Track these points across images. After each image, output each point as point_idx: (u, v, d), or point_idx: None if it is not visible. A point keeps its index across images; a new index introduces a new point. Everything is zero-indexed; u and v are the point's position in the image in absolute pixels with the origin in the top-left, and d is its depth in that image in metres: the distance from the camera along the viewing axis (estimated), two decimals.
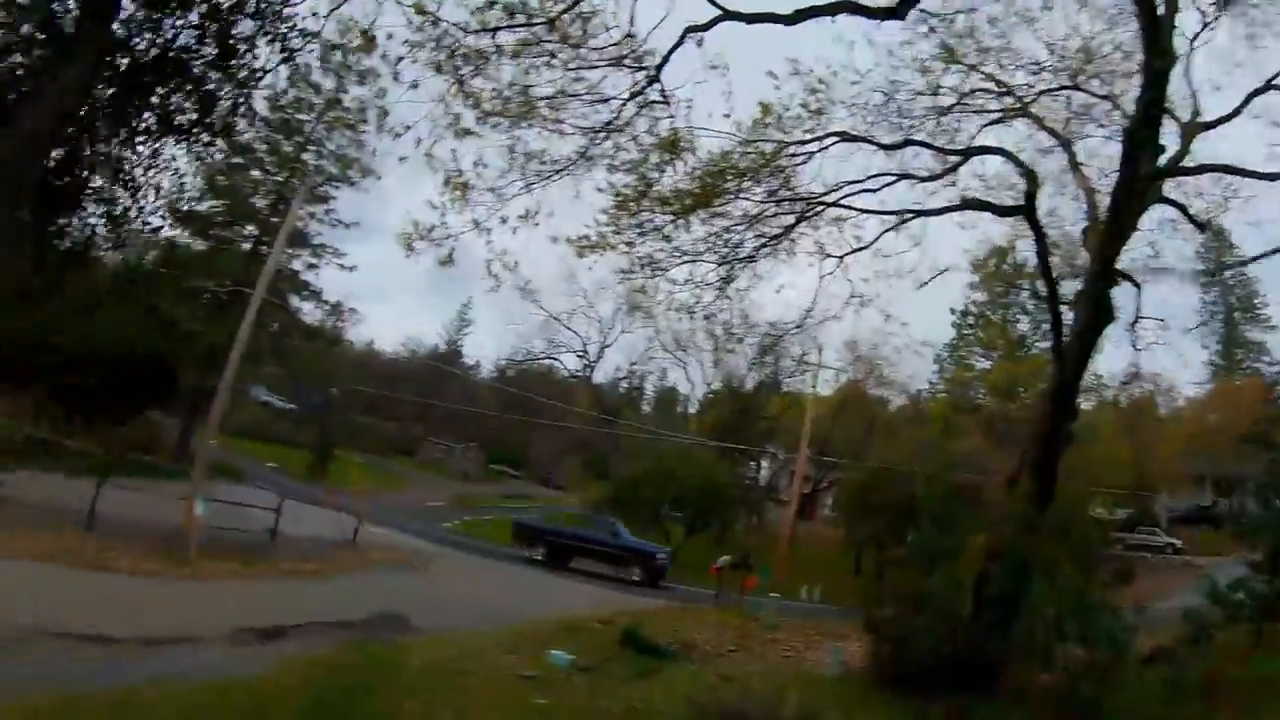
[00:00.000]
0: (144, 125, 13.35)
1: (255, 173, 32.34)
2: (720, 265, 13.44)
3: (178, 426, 31.59)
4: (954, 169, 14.29)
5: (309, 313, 35.50)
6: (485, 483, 54.93)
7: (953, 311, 46.72)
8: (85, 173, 13.55)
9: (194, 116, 13.37)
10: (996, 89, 13.96)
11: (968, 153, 14.25)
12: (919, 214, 14.40)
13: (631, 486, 35.80)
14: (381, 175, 35.34)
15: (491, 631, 13.61)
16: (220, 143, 16.08)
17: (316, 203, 32.99)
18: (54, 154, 12.70)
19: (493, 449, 60.70)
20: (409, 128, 8.96)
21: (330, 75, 31.72)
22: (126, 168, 13.78)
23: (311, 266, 34.41)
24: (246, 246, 32.45)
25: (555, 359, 61.21)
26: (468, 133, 9.54)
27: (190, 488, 17.32)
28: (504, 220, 10.01)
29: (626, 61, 9.75)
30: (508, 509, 45.45)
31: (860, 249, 14.39)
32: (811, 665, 14.44)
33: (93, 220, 14.48)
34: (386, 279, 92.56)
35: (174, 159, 14.42)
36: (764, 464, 51.32)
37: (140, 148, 13.65)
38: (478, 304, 73.36)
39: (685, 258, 13.03)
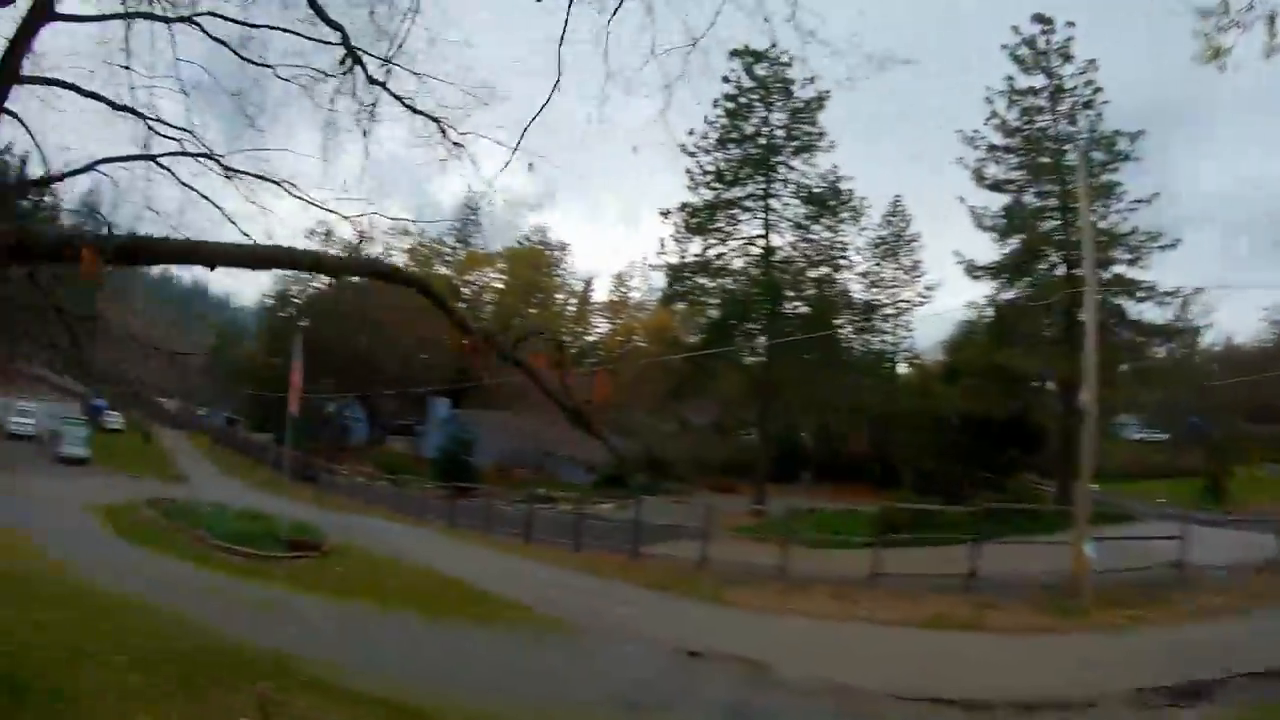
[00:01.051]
0: None
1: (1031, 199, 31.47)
2: None
3: (1053, 485, 30.96)
4: None
5: (1152, 315, 31.58)
6: None
7: None
8: None
9: None
10: None
11: None
12: None
13: None
14: (1147, 131, 30.07)
15: None
16: None
17: (1099, 197, 29.62)
18: None
19: None
20: None
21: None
22: None
23: (1132, 262, 30.76)
24: (1060, 272, 31.06)
25: None
26: None
27: (1072, 534, 15.99)
28: None
29: None
30: None
31: None
32: None
33: None
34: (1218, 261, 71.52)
35: None
36: None
37: None
38: None
39: None
